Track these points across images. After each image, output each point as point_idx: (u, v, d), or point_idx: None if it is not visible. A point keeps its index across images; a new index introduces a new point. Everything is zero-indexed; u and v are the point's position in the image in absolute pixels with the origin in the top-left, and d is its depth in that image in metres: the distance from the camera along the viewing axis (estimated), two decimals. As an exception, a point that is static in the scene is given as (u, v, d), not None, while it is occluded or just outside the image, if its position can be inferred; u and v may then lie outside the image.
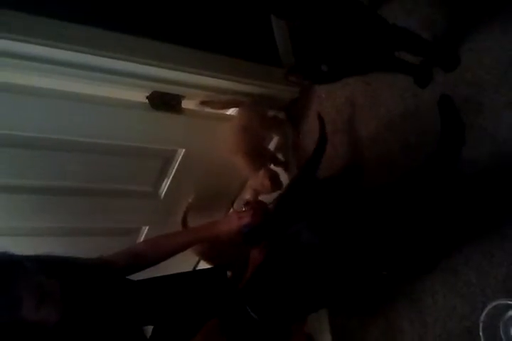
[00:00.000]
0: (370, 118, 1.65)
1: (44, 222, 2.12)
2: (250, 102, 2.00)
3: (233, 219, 1.50)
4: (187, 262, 2.56)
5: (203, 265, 2.49)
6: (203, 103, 1.95)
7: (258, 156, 1.89)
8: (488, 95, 1.30)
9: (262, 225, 1.50)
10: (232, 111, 2.24)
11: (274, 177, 1.83)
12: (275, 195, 1.88)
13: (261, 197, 1.97)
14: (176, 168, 2.12)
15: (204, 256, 2.23)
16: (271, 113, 2.12)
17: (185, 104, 2.00)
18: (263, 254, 1.49)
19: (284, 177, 2.01)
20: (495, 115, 1.27)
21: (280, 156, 2.14)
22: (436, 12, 1.46)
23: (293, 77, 1.31)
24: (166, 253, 1.61)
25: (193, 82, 1.89)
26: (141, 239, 2.38)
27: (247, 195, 2.09)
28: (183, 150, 2.08)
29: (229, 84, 1.94)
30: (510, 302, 1.10)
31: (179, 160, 2.10)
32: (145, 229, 2.36)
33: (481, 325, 1.13)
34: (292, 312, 1.37)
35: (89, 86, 1.80)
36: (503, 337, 1.12)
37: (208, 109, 2.00)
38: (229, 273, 1.85)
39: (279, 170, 2.02)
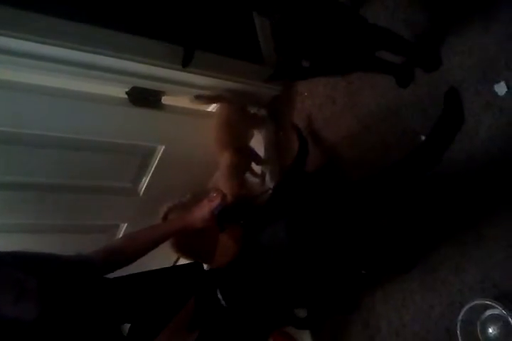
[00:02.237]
0: (352, 117, 1.65)
1: (20, 218, 2.08)
2: (231, 98, 1.98)
3: (204, 204, 1.50)
4: (167, 259, 2.55)
5: (183, 262, 2.47)
6: (193, 100, 1.92)
7: (242, 154, 1.87)
8: (468, 96, 1.30)
9: (232, 205, 1.51)
10: (212, 108, 2.22)
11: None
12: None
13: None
14: (155, 164, 2.10)
15: (179, 248, 2.21)
16: (252, 110, 2.11)
17: (166, 100, 1.98)
18: (232, 240, 1.49)
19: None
20: (474, 115, 1.27)
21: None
22: (418, 13, 1.46)
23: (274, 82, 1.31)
24: (144, 247, 1.58)
25: (174, 78, 1.86)
26: (119, 236, 2.35)
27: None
28: (163, 146, 2.05)
29: (210, 81, 1.92)
30: (487, 302, 1.11)
31: (159, 156, 2.08)
32: (123, 227, 2.33)
33: (458, 324, 1.13)
34: (263, 306, 1.38)
35: (68, 81, 1.76)
36: (480, 336, 1.12)
37: (197, 104, 1.97)
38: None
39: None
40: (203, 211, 1.50)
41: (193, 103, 1.93)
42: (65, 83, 1.77)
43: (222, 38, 1.98)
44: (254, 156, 2.02)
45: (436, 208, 1.30)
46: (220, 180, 1.88)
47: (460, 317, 1.13)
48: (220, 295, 1.34)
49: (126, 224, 2.32)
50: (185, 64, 1.49)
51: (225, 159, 1.83)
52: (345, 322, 1.53)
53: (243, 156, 1.87)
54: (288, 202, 1.54)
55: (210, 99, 1.95)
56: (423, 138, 1.40)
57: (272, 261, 1.30)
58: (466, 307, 1.12)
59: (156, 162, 2.09)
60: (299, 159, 1.68)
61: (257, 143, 2.14)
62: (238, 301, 1.37)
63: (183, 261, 2.48)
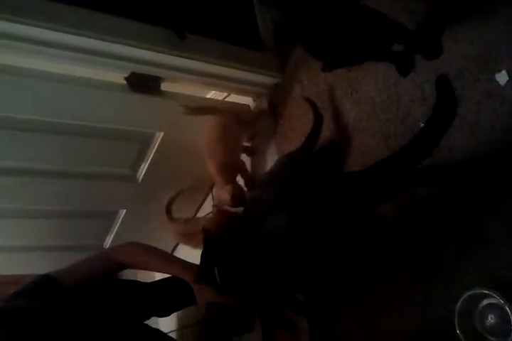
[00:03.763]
0: (352, 105, 1.65)
1: (17, 204, 2.10)
2: (227, 110, 2.01)
3: (204, 296, 1.50)
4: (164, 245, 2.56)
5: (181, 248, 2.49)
6: (183, 106, 1.92)
7: (231, 166, 1.89)
8: (468, 84, 1.29)
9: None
10: (212, 95, 2.23)
11: (236, 196, 1.81)
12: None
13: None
14: (154, 151, 2.10)
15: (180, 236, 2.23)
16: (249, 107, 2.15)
17: (165, 86, 1.97)
18: None
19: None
20: (474, 104, 1.27)
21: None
22: (419, 1, 1.45)
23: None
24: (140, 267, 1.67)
25: (173, 65, 1.85)
26: (118, 222, 2.37)
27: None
28: (162, 133, 2.05)
29: (209, 68, 1.91)
30: (485, 291, 1.11)
31: (157, 143, 2.08)
32: (122, 213, 2.34)
33: (456, 313, 1.14)
34: (257, 290, 1.40)
35: (66, 66, 1.77)
36: (478, 326, 1.13)
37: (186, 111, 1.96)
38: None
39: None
40: (201, 299, 1.51)
41: (182, 108, 1.93)
42: (63, 68, 1.77)
43: (223, 23, 1.96)
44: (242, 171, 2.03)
45: (434, 197, 1.30)
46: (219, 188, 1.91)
47: (458, 306, 1.13)
48: (217, 274, 1.36)
49: (125, 211, 2.34)
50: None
51: (214, 168, 1.87)
52: (342, 309, 1.54)
53: (232, 169, 1.90)
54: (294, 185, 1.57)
55: (199, 111, 1.96)
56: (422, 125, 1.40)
57: (272, 247, 1.31)
58: (464, 296, 1.13)
59: (155, 148, 2.09)
60: (311, 136, 1.70)
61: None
62: (233, 282, 1.39)
63: (182, 247, 2.52)
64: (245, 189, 1.98)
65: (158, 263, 1.61)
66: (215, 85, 2.07)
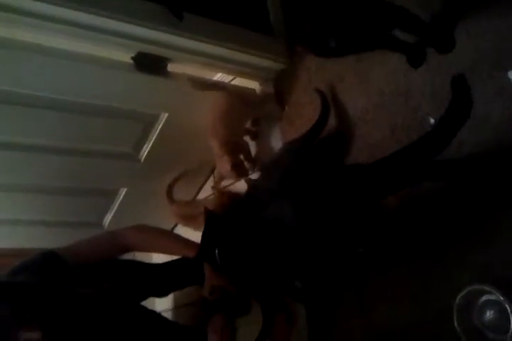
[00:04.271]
0: (359, 95, 1.64)
1: (21, 178, 2.10)
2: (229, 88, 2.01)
3: (212, 280, 1.51)
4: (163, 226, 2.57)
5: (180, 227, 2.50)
6: (190, 80, 1.91)
7: (231, 148, 1.88)
8: (481, 80, 1.28)
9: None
10: (219, 77, 2.21)
11: (238, 166, 1.83)
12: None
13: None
14: (157, 131, 2.10)
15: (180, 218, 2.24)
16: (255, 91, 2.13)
17: (172, 67, 1.95)
18: None
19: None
20: (486, 101, 1.26)
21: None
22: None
23: (301, 47, 1.30)
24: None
25: (181, 46, 1.84)
26: (118, 201, 2.37)
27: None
28: (166, 114, 2.05)
29: (217, 50, 1.89)
30: (484, 287, 1.12)
31: (162, 124, 2.07)
32: (123, 192, 2.35)
33: (455, 308, 1.15)
34: (256, 274, 1.41)
35: (73, 43, 1.75)
36: (476, 321, 1.15)
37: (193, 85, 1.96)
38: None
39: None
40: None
41: (189, 83, 1.93)
42: (70, 45, 1.75)
43: (231, 6, 1.94)
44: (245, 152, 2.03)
45: (439, 191, 1.30)
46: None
47: (457, 301, 1.15)
48: (217, 254, 1.38)
49: (126, 189, 2.34)
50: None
51: (216, 146, 1.87)
52: (340, 300, 1.55)
53: (234, 149, 1.90)
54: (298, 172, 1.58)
55: (206, 86, 1.96)
56: (432, 120, 1.39)
57: (275, 234, 1.32)
58: (464, 291, 1.14)
59: (159, 129, 2.09)
60: (318, 123, 1.71)
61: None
62: (232, 264, 1.40)
63: (180, 228, 2.52)
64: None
65: (167, 246, 1.62)
66: (221, 68, 2.06)
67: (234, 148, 1.89)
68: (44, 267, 1.41)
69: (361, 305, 1.47)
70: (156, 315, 1.66)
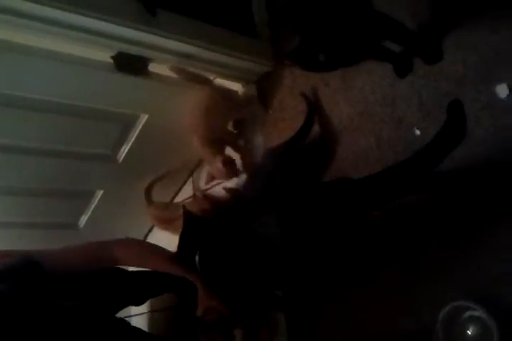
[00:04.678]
0: (344, 102, 1.62)
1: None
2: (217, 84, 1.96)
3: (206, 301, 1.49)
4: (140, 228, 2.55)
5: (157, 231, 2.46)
6: (173, 68, 1.87)
7: (216, 141, 1.86)
8: (468, 94, 1.28)
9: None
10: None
11: (229, 164, 1.81)
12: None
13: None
14: (137, 133, 2.06)
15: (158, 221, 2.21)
16: (237, 93, 2.10)
17: (153, 67, 1.91)
18: None
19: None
20: (473, 115, 1.25)
21: (240, 141, 2.11)
22: (424, 2, 1.41)
23: (289, 62, 1.28)
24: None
25: (162, 46, 1.79)
26: (94, 203, 2.32)
27: (203, 181, 2.14)
28: (146, 115, 2.00)
29: (199, 51, 1.85)
30: (468, 304, 1.12)
31: (141, 125, 2.03)
32: (99, 193, 2.30)
33: (438, 323, 1.15)
34: (237, 282, 1.40)
35: (52, 42, 1.69)
36: (458, 337, 1.15)
37: (174, 75, 1.92)
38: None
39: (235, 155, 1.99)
40: (202, 304, 1.49)
41: (171, 72, 1.88)
42: (47, 44, 1.69)
43: (216, 7, 1.90)
44: (233, 143, 2.01)
45: (427, 207, 1.29)
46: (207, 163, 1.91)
47: (440, 316, 1.15)
48: (197, 259, 1.36)
49: (102, 191, 2.29)
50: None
51: (199, 144, 1.86)
52: (321, 311, 1.54)
53: (217, 144, 1.88)
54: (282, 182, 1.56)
55: (190, 76, 1.90)
56: (417, 131, 1.38)
57: (259, 246, 1.30)
58: (448, 307, 1.14)
59: (138, 130, 2.05)
60: (303, 129, 1.70)
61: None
62: (212, 271, 1.39)
63: (156, 231, 2.49)
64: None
65: (155, 264, 1.56)
66: (203, 69, 2.00)
67: (217, 143, 1.86)
68: (21, 275, 1.36)
69: (343, 318, 1.46)
70: (131, 327, 1.63)
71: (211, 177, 1.98)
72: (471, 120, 1.25)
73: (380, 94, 1.51)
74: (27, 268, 1.37)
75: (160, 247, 1.59)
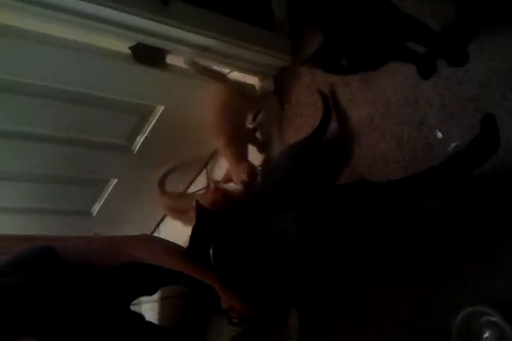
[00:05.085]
0: (365, 102, 1.61)
1: (10, 166, 2.06)
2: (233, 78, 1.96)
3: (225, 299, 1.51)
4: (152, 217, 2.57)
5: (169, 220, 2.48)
6: (188, 63, 1.86)
7: (239, 139, 1.86)
8: (492, 99, 1.27)
9: None
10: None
11: (252, 174, 1.82)
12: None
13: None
14: (152, 124, 2.06)
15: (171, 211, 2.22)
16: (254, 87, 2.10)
17: (171, 59, 1.91)
18: None
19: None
20: (498, 121, 1.24)
21: (258, 134, 2.11)
22: (449, 3, 1.40)
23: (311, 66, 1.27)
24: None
25: (180, 37, 1.78)
26: (108, 191, 2.33)
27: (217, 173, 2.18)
28: (162, 106, 2.01)
29: (216, 44, 1.83)
30: (485, 309, 1.13)
31: (157, 116, 2.04)
32: (113, 182, 2.31)
33: (454, 327, 1.16)
34: (251, 278, 1.41)
35: (71, 31, 1.70)
36: None
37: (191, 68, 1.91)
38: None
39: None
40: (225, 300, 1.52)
41: (187, 65, 1.88)
42: (67, 33, 1.70)
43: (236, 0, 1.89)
44: (251, 139, 2.00)
45: (447, 211, 1.29)
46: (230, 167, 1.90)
47: (457, 320, 1.16)
48: (211, 253, 1.37)
49: (116, 180, 2.31)
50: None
51: (222, 147, 1.85)
52: (335, 311, 1.55)
53: (240, 142, 1.87)
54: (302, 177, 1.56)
55: (204, 71, 1.90)
56: (439, 134, 1.38)
57: (276, 246, 1.31)
58: (465, 311, 1.15)
59: (154, 121, 2.06)
60: (320, 127, 1.68)
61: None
62: (227, 265, 1.40)
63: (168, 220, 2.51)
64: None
65: (173, 265, 1.57)
66: (220, 62, 1.99)
67: (241, 142, 1.88)
68: (40, 266, 1.37)
69: (357, 317, 1.47)
70: (141, 319, 1.65)
71: (229, 179, 1.98)
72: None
73: (402, 94, 1.50)
74: (42, 256, 1.39)
75: (178, 246, 1.60)
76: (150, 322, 1.66)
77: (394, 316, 1.36)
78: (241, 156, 1.84)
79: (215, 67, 2.00)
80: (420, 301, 1.31)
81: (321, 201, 1.26)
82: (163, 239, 1.63)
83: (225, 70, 2.08)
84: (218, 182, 2.04)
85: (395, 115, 1.51)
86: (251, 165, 1.84)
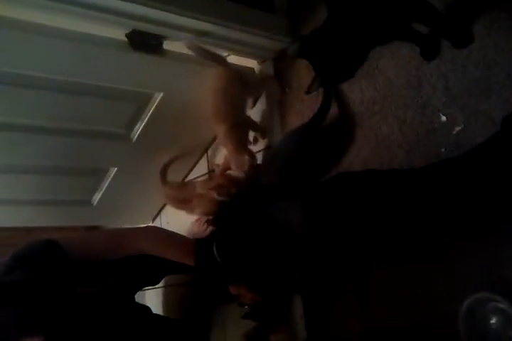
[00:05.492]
0: (367, 84, 1.57)
1: (8, 158, 2.03)
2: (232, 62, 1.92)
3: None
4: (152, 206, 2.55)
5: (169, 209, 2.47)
6: (190, 46, 1.82)
7: (240, 125, 1.82)
8: (498, 80, 1.24)
9: None
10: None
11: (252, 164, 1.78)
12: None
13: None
14: (151, 111, 2.02)
15: (173, 201, 2.20)
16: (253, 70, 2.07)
17: (168, 45, 1.86)
18: None
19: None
20: (502, 102, 1.22)
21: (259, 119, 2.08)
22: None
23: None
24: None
25: (176, 23, 1.73)
26: (108, 180, 2.31)
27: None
28: (161, 94, 1.96)
29: (213, 28, 1.79)
30: (492, 295, 1.12)
31: (155, 104, 1.99)
32: (113, 171, 2.29)
33: (461, 313, 1.15)
34: (257, 269, 1.40)
35: (64, 20, 1.64)
36: (481, 328, 1.15)
37: (189, 53, 1.87)
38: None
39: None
40: None
41: (189, 49, 1.84)
42: (61, 22, 1.65)
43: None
44: (252, 125, 1.97)
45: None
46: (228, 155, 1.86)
47: (464, 307, 1.15)
48: (215, 250, 1.36)
49: (116, 169, 2.28)
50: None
51: (223, 134, 1.81)
52: (339, 296, 1.54)
53: (242, 129, 1.84)
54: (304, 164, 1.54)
55: (206, 54, 1.85)
56: (443, 117, 1.35)
57: (280, 236, 1.30)
58: (471, 298, 1.14)
59: (153, 109, 2.01)
60: (320, 112, 1.66)
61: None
62: (233, 260, 1.39)
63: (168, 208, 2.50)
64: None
65: (180, 257, 1.55)
66: (218, 46, 1.95)
67: (242, 129, 1.85)
68: (44, 261, 1.35)
69: (361, 302, 1.46)
70: (148, 311, 1.65)
71: (227, 167, 1.95)
72: (501, 110, 1.21)
73: (405, 77, 1.46)
74: (47, 250, 1.38)
75: (185, 238, 1.59)
76: (157, 315, 1.65)
77: (399, 302, 1.36)
78: (242, 145, 1.81)
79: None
80: (425, 287, 1.30)
81: (326, 190, 1.24)
82: (168, 231, 1.61)
83: (224, 54, 2.04)
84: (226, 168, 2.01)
85: (397, 98, 1.48)
86: (252, 155, 1.80)
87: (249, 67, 2.08)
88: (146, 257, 1.64)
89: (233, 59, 2.04)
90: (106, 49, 1.74)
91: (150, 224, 2.64)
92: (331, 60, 1.32)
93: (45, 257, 1.35)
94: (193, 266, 1.50)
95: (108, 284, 1.43)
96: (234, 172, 1.86)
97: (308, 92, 1.53)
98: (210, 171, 2.29)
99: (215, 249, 1.41)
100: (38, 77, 1.71)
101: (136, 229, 1.57)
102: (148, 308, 1.68)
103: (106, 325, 1.33)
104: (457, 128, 1.31)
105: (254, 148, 1.97)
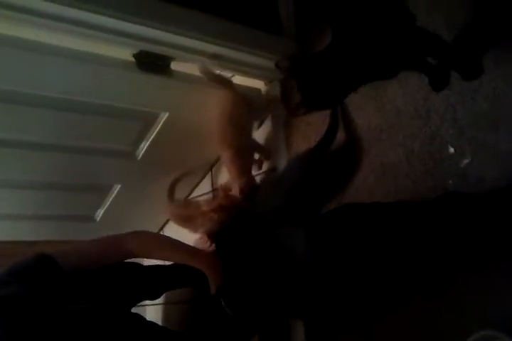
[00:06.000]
0: (374, 112, 1.57)
1: (15, 175, 2.05)
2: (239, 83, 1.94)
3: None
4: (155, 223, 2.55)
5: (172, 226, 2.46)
6: (202, 69, 1.83)
7: (244, 152, 1.84)
8: (507, 114, 1.23)
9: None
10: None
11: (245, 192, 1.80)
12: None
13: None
14: (157, 130, 2.03)
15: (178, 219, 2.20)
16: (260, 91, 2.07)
17: (175, 65, 1.87)
18: None
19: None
20: (510, 135, 1.22)
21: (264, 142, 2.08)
22: (462, 11, 1.35)
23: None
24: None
25: (183, 44, 1.75)
26: (112, 197, 2.31)
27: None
28: (167, 113, 1.97)
29: (221, 50, 1.81)
30: (497, 334, 1.11)
31: (161, 123, 2.01)
32: (117, 188, 2.29)
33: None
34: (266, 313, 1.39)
35: (73, 41, 1.66)
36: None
37: (197, 74, 1.88)
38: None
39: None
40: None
41: (200, 72, 1.86)
42: (69, 42, 1.67)
43: (238, 3, 1.84)
44: (257, 148, 1.98)
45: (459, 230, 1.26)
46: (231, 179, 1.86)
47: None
48: (223, 304, 1.35)
49: (120, 186, 2.28)
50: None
51: (227, 159, 1.83)
52: (343, 323, 1.53)
53: (246, 153, 1.85)
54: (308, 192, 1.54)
55: (215, 78, 1.87)
56: (451, 149, 1.35)
57: (284, 265, 1.29)
58: (475, 335, 1.13)
59: (158, 128, 2.02)
60: (326, 137, 1.66)
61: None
62: (243, 311, 1.37)
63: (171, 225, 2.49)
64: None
65: (170, 255, 1.59)
66: (225, 67, 1.95)
67: (247, 153, 1.86)
68: (38, 275, 1.35)
69: (365, 335, 1.45)
70: (146, 323, 1.63)
71: (228, 189, 1.95)
72: (508, 142, 1.21)
73: (413, 106, 1.46)
74: (41, 264, 1.38)
75: (172, 238, 1.62)
76: (152, 323, 1.63)
77: (404, 334, 1.34)
78: (245, 170, 1.81)
79: (220, 72, 1.97)
80: (430, 321, 1.29)
81: (333, 220, 1.23)
82: (158, 233, 1.63)
83: (228, 74, 2.04)
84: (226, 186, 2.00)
85: (405, 127, 1.48)
86: (253, 180, 1.81)
87: (255, 88, 2.08)
88: (144, 269, 1.64)
89: (239, 79, 2.04)
90: (113, 69, 1.76)
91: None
92: (319, 86, 1.28)
93: (38, 271, 1.35)
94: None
95: (102, 299, 1.42)
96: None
97: (294, 116, 1.51)
98: (214, 189, 2.28)
99: (223, 303, 1.39)
100: (45, 96, 1.73)
101: (125, 233, 1.58)
102: (142, 317, 1.67)
103: (96, 338, 1.33)
104: (465, 161, 1.30)
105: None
